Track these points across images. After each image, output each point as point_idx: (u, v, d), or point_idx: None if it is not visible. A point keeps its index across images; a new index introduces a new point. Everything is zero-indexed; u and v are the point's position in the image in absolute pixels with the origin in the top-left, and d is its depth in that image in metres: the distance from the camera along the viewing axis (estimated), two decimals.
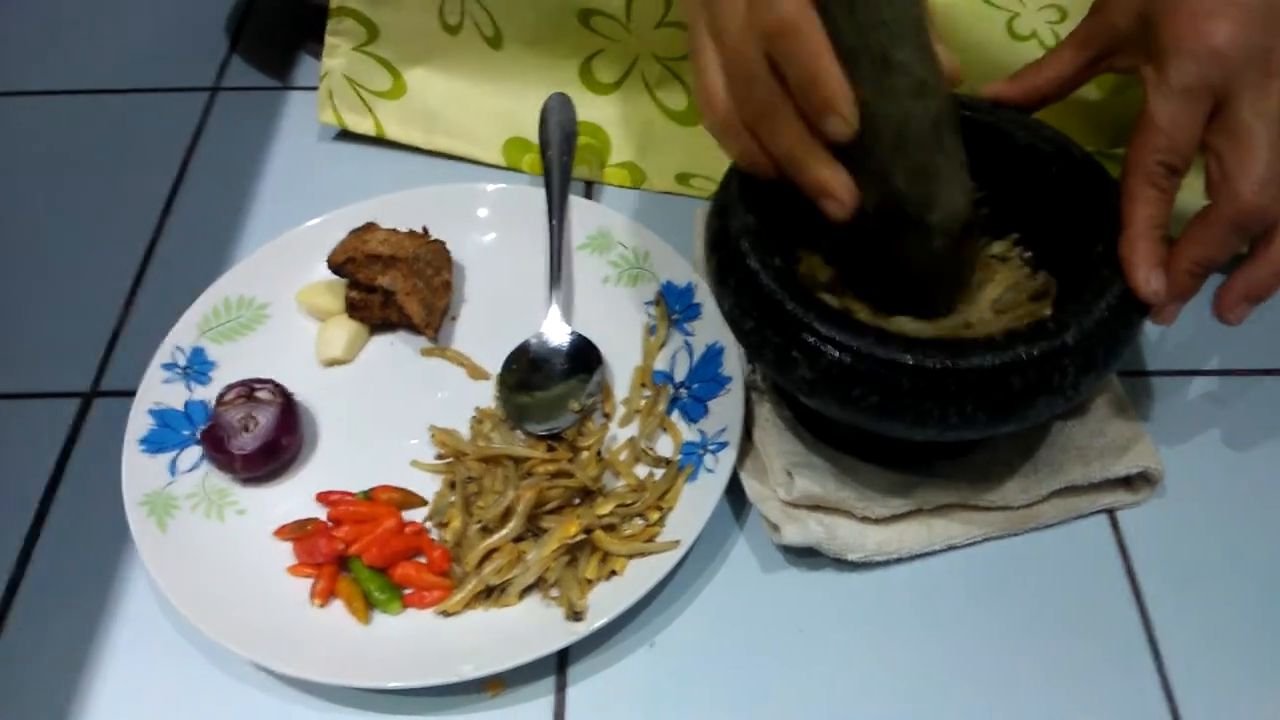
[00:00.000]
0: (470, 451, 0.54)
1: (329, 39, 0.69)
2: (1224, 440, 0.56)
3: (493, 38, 0.67)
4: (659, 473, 0.53)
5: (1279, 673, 0.48)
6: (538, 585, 0.50)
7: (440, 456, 0.55)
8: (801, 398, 0.47)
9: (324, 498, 0.54)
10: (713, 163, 0.68)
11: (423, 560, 0.52)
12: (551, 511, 0.52)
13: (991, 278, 0.52)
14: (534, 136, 0.68)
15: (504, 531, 0.51)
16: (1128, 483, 0.53)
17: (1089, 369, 0.44)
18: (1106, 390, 0.55)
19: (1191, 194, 0.48)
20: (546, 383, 0.57)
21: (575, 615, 0.48)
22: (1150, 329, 0.59)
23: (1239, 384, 0.59)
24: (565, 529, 0.50)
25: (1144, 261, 0.44)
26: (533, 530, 0.52)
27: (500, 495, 0.52)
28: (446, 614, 0.50)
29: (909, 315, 0.50)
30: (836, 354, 0.44)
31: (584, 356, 0.58)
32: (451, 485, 0.54)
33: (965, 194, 0.46)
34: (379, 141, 0.72)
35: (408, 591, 0.51)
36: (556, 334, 0.59)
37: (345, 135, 0.72)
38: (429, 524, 0.53)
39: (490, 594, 0.50)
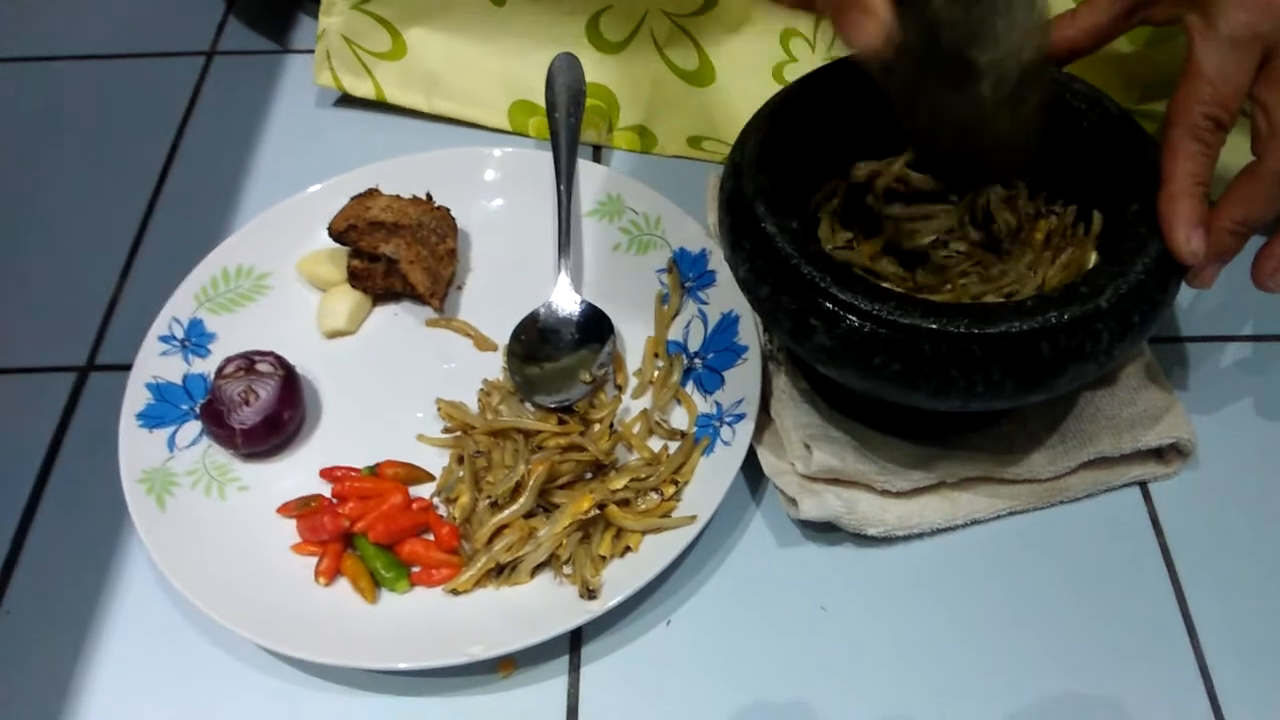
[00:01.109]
0: (479, 425, 0.53)
1: None
2: (1260, 409, 0.54)
3: None
4: (673, 446, 0.52)
5: None
6: (550, 563, 0.49)
7: (448, 430, 0.54)
8: (819, 367, 0.45)
9: (328, 474, 0.53)
10: (725, 125, 0.66)
11: (430, 537, 0.50)
12: (563, 486, 0.51)
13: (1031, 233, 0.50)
14: (540, 99, 0.65)
15: (514, 507, 0.49)
16: (1159, 454, 0.52)
17: (1124, 334, 0.42)
18: (1138, 357, 0.53)
19: (1234, 155, 0.45)
20: (556, 353, 0.55)
21: (589, 593, 0.46)
22: (1183, 292, 0.57)
23: (1275, 350, 0.56)
24: (578, 504, 0.48)
25: (1184, 220, 0.42)
26: (544, 506, 0.50)
27: (510, 470, 0.50)
28: (456, 593, 0.48)
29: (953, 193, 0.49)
30: (856, 320, 0.42)
31: (595, 326, 0.56)
32: (460, 460, 0.52)
33: (1027, 32, 0.42)
34: (380, 105, 0.69)
35: (415, 569, 0.49)
36: (566, 303, 0.57)
37: (346, 99, 0.70)
38: (437, 500, 0.52)
39: (501, 572, 0.49)
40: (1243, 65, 0.42)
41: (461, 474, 0.51)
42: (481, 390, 0.55)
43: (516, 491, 0.50)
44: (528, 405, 0.54)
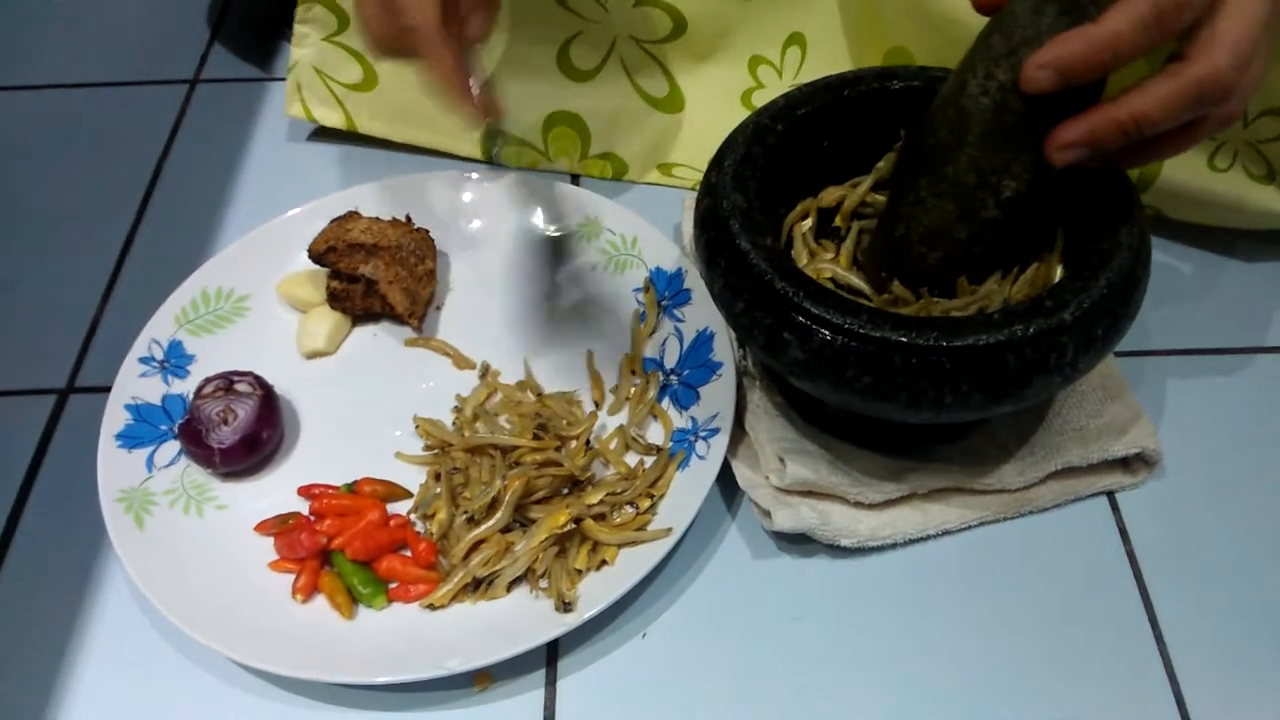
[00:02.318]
0: (456, 442, 0.53)
1: (298, 28, 0.67)
2: (1222, 420, 0.56)
3: None
4: (649, 460, 0.52)
5: None
6: (526, 577, 0.49)
7: (427, 448, 0.54)
8: (794, 380, 0.46)
9: (305, 491, 0.53)
10: (696, 150, 0.68)
11: (408, 554, 0.51)
12: (539, 501, 0.51)
13: None
14: (511, 127, 0.66)
15: (490, 522, 0.50)
16: (1126, 464, 0.53)
17: (1088, 346, 0.43)
18: (1104, 371, 0.54)
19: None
20: None
21: (565, 606, 0.47)
22: (1150, 308, 0.58)
23: (1237, 363, 0.58)
24: (554, 519, 0.49)
25: (1053, 51, 0.40)
26: (520, 521, 0.51)
27: (487, 485, 0.51)
28: (433, 608, 0.48)
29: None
30: (828, 334, 0.43)
31: None
32: (437, 476, 0.53)
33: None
34: (358, 133, 0.70)
35: (393, 585, 0.50)
36: None
37: (324, 127, 0.71)
38: (414, 516, 0.52)
39: (478, 587, 0.49)
40: None
41: (439, 490, 0.52)
42: (454, 407, 0.55)
43: (493, 507, 0.50)
44: (503, 420, 0.54)
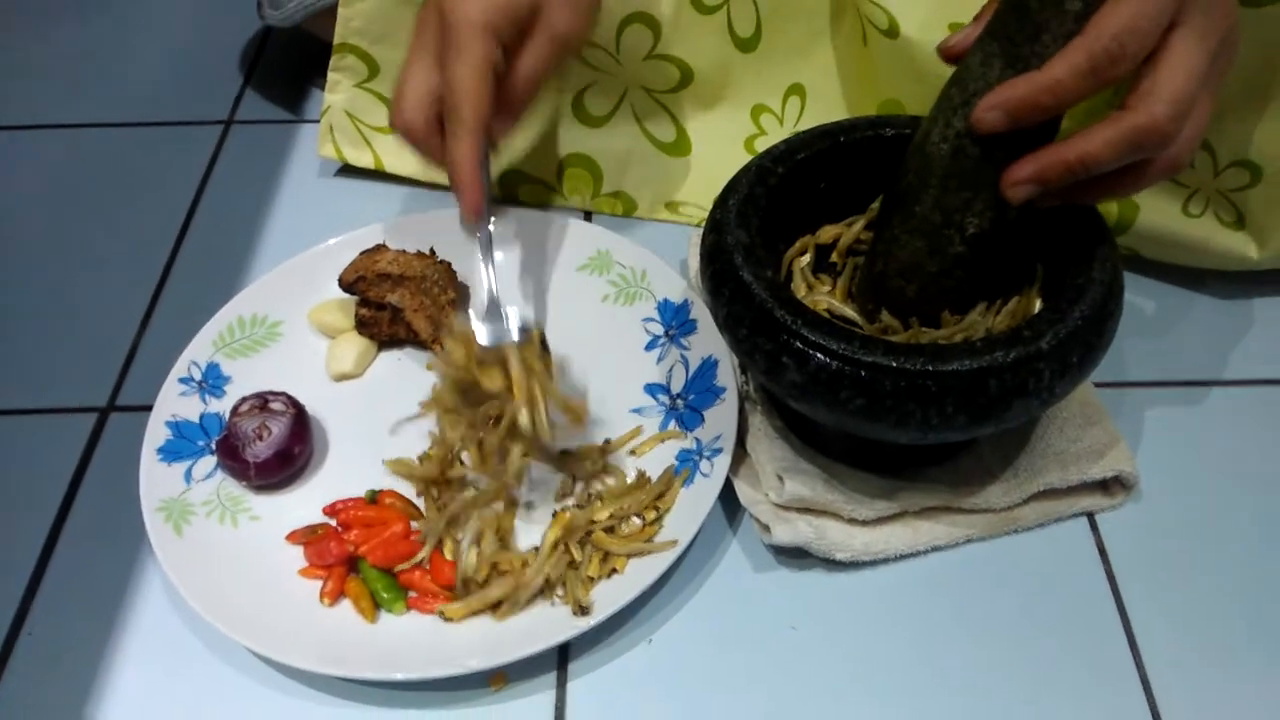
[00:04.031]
0: (426, 477, 0.56)
1: (331, 75, 0.71)
2: (1197, 446, 0.59)
3: None
4: (654, 474, 0.56)
5: (1256, 668, 0.50)
6: (541, 591, 0.52)
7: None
8: (791, 402, 0.50)
9: (330, 510, 0.56)
10: (701, 190, 0.72)
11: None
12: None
13: None
14: (528, 168, 0.70)
15: (481, 551, 0.53)
16: (1104, 486, 0.56)
17: (1064, 373, 0.47)
18: (1084, 399, 0.58)
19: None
20: None
21: (582, 610, 0.50)
22: (1128, 339, 0.62)
23: (1209, 393, 0.61)
24: (552, 532, 0.52)
25: (1003, 94, 0.44)
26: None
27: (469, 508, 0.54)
28: (448, 619, 0.51)
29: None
30: (824, 358, 0.46)
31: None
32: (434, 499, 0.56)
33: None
34: (383, 172, 0.74)
35: (412, 595, 0.53)
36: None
37: (353, 166, 0.75)
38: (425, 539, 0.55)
39: (497, 606, 0.51)
40: (1155, 21, 0.42)
41: (441, 523, 0.54)
42: (424, 455, 0.58)
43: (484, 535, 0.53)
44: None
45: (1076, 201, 0.47)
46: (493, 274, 0.58)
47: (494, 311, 0.57)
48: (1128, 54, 0.42)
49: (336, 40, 0.70)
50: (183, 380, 0.60)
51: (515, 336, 0.56)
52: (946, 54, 0.50)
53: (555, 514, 0.54)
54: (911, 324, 0.53)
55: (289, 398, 0.58)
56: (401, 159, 0.74)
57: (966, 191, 0.48)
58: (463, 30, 0.52)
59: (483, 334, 0.56)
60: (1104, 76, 0.42)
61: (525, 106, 0.56)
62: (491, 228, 0.58)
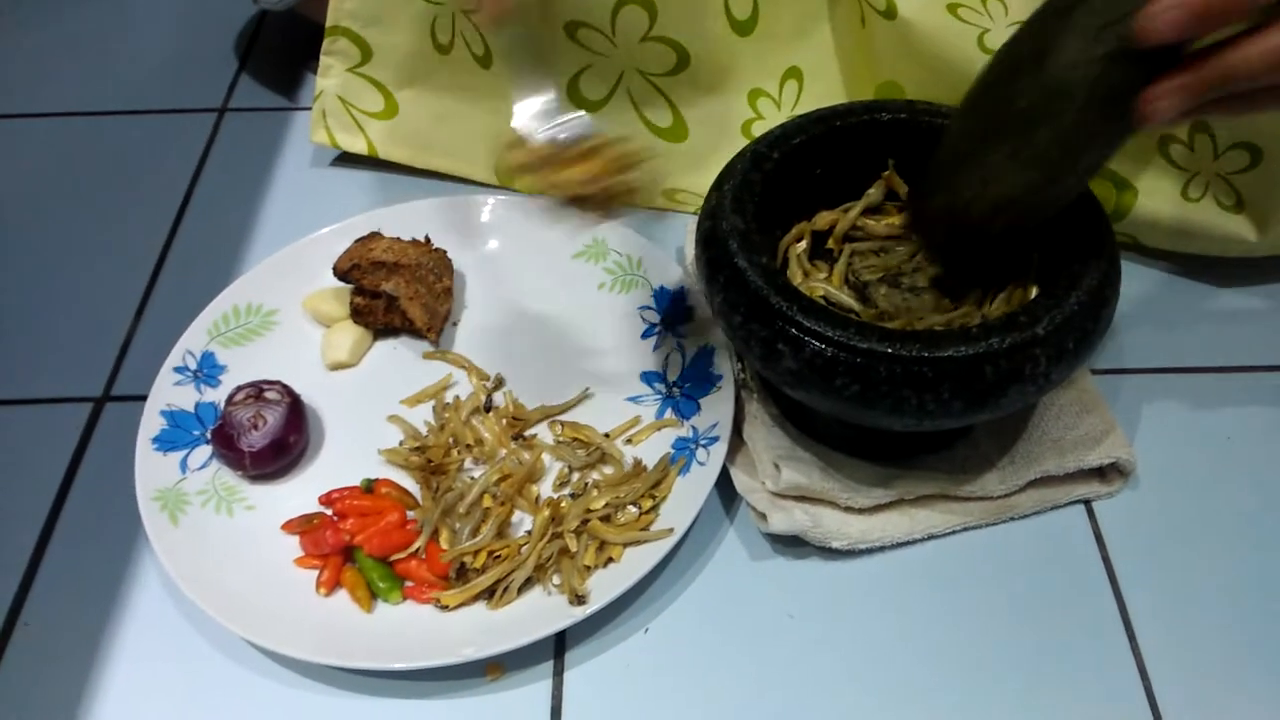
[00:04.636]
0: (419, 466, 0.56)
1: (324, 59, 0.71)
2: (1194, 433, 0.59)
3: (482, 56, 0.70)
4: (650, 462, 0.56)
5: (1250, 654, 0.50)
6: (537, 578, 0.52)
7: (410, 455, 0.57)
8: (787, 389, 0.49)
9: (326, 499, 0.56)
10: (698, 177, 0.71)
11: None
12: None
13: None
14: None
15: (478, 539, 0.53)
16: (1101, 473, 0.56)
17: (1060, 358, 0.46)
18: (1082, 387, 0.57)
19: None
20: None
21: (578, 599, 0.50)
22: (1125, 327, 0.62)
23: (1207, 381, 0.61)
24: (541, 517, 0.53)
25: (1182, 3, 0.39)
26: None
27: (472, 506, 0.54)
28: (444, 607, 0.51)
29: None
30: (819, 345, 0.46)
31: None
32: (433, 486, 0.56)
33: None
34: (379, 159, 0.74)
35: (409, 584, 0.53)
36: None
37: (346, 154, 0.75)
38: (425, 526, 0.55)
39: (493, 595, 0.52)
40: None
41: (437, 512, 0.54)
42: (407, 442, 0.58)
43: (483, 523, 0.53)
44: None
45: (1215, 116, 0.43)
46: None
47: (550, 110, 0.53)
48: None
49: (329, 23, 0.70)
50: (178, 369, 0.60)
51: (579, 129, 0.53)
52: None
53: (548, 499, 0.54)
54: (907, 307, 0.53)
55: (284, 387, 0.58)
56: (396, 146, 0.73)
57: (1098, 122, 0.44)
58: None
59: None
60: None
61: None
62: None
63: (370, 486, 0.56)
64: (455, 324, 0.64)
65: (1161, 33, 0.40)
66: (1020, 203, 0.48)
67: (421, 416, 0.59)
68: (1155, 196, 0.63)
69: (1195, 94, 0.41)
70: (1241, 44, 0.40)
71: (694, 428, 0.57)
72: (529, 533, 0.53)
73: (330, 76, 0.72)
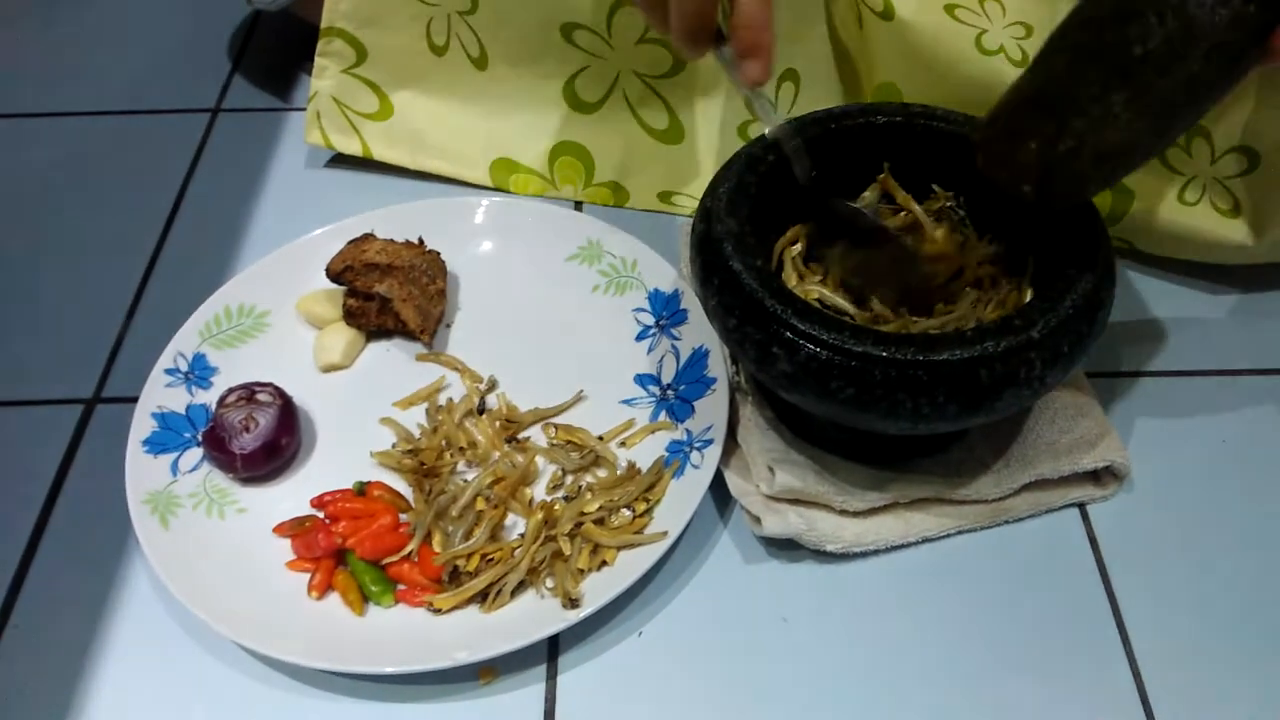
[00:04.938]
0: (412, 469, 0.56)
1: (318, 60, 0.71)
2: (1188, 437, 0.59)
3: (478, 58, 0.69)
4: (644, 465, 0.55)
5: (1245, 657, 0.50)
6: (530, 580, 0.52)
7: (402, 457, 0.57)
8: (782, 392, 0.49)
9: (318, 502, 0.55)
10: (693, 180, 0.71)
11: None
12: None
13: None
14: (519, 156, 0.70)
15: (471, 542, 0.52)
16: (1096, 477, 0.56)
17: (1055, 362, 0.46)
18: (1075, 389, 0.57)
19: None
20: None
21: (572, 603, 0.49)
22: (1119, 329, 0.62)
23: (1202, 385, 0.61)
24: (535, 519, 0.52)
25: None
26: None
27: (465, 509, 0.54)
28: (437, 611, 0.51)
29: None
30: (814, 348, 0.46)
31: None
32: (425, 499, 0.55)
33: None
34: (374, 161, 0.74)
35: (401, 588, 0.52)
36: None
37: (340, 155, 0.75)
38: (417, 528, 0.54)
39: (485, 598, 0.51)
40: None
41: (430, 514, 0.54)
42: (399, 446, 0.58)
43: (475, 526, 0.53)
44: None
45: None
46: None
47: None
48: None
49: (324, 24, 0.69)
50: (169, 371, 0.60)
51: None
52: None
53: (541, 502, 0.54)
54: (901, 313, 0.52)
55: (276, 389, 0.58)
56: (389, 147, 0.73)
57: (1227, 69, 0.41)
58: None
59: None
60: None
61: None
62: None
63: (363, 489, 0.56)
64: (449, 326, 0.64)
65: None
66: (1131, 152, 0.45)
67: (414, 419, 0.59)
68: (1151, 200, 0.63)
69: None
70: None
71: (688, 431, 0.56)
72: (522, 536, 0.53)
73: (325, 77, 0.71)
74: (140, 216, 0.72)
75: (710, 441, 0.55)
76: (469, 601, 0.51)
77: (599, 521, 0.53)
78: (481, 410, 0.59)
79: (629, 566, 0.51)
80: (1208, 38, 0.40)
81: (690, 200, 0.71)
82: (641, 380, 0.60)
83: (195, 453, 0.57)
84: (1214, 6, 0.40)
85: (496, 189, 0.72)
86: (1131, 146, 0.44)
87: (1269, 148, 0.59)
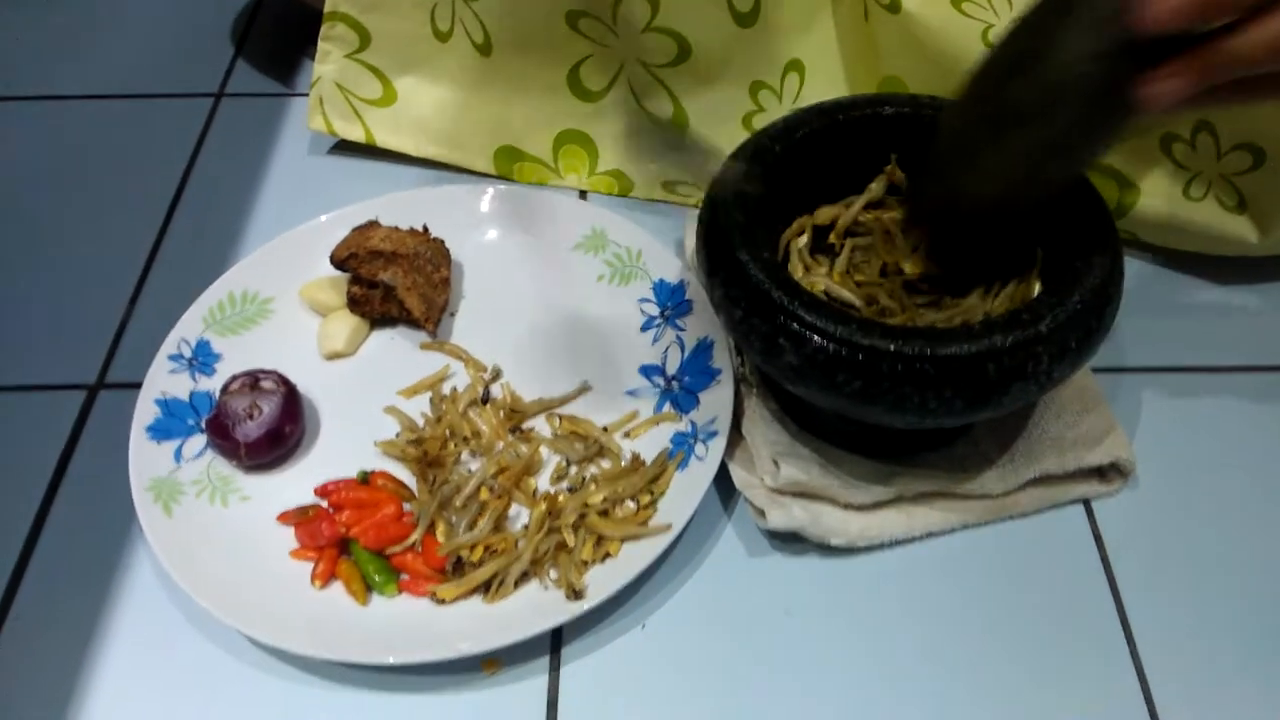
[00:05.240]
0: (415, 457, 0.56)
1: (321, 45, 0.70)
2: (1195, 433, 0.58)
3: (482, 44, 0.69)
4: (648, 456, 0.55)
5: (1249, 655, 0.50)
6: (533, 571, 0.52)
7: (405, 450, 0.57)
8: (787, 385, 0.49)
9: (321, 491, 0.55)
10: (697, 170, 0.71)
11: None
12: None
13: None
14: (523, 144, 0.69)
15: (475, 532, 0.52)
16: (1101, 473, 0.55)
17: (1062, 357, 0.46)
18: (1081, 385, 0.57)
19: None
20: None
21: (575, 594, 0.49)
22: (1127, 325, 0.62)
23: (1209, 380, 0.61)
24: (538, 510, 0.52)
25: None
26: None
27: (469, 499, 0.54)
28: (441, 601, 0.51)
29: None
30: (821, 340, 0.46)
31: None
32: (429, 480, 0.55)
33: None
34: (377, 148, 0.73)
35: (404, 578, 0.52)
36: None
37: (344, 141, 0.74)
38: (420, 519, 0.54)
39: (488, 588, 0.51)
40: None
41: (433, 505, 0.54)
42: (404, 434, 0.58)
43: (480, 515, 0.53)
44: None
45: (1216, 104, 0.43)
46: None
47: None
48: None
49: (327, 8, 0.69)
50: (172, 358, 0.59)
51: None
52: None
53: (545, 493, 0.54)
54: (909, 306, 0.52)
55: (280, 376, 0.57)
56: (393, 134, 0.73)
57: (1098, 116, 0.44)
58: None
59: None
60: None
61: None
62: None
63: (366, 478, 0.55)
64: (453, 314, 0.64)
65: (1162, 21, 0.40)
66: (1020, 196, 0.48)
67: (418, 408, 0.59)
68: (1157, 195, 0.63)
69: (1195, 80, 0.41)
70: (1243, 30, 0.39)
71: (693, 422, 0.56)
72: (526, 527, 0.53)
73: (328, 63, 0.71)
74: (143, 202, 0.72)
75: (715, 433, 0.55)
76: (472, 592, 0.51)
77: (603, 513, 0.53)
78: (486, 400, 0.59)
79: (633, 559, 0.51)
80: (1075, 92, 0.43)
81: (694, 190, 0.71)
82: (646, 371, 0.60)
83: (199, 440, 0.57)
84: (1075, 63, 0.42)
85: (500, 177, 0.72)
86: (1021, 191, 0.48)
87: (1275, 145, 0.58)
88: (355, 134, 0.73)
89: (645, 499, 0.53)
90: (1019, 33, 0.45)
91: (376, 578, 0.52)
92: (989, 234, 0.51)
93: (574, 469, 0.56)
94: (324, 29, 0.70)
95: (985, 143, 0.47)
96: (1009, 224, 0.50)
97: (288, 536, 0.53)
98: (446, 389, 0.60)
